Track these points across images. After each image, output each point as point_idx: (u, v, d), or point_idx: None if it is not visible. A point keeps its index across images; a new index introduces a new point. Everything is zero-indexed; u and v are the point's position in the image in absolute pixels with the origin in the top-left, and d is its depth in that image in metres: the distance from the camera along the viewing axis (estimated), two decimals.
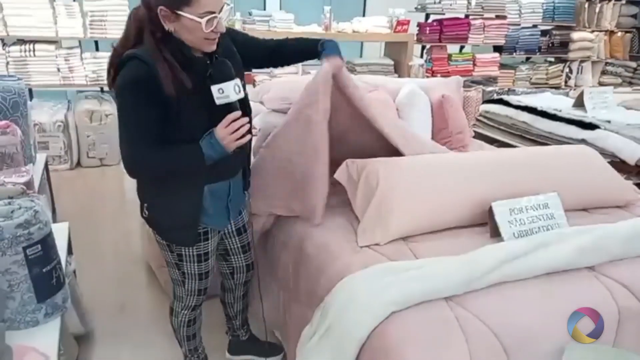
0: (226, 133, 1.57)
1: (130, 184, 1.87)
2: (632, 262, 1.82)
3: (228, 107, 1.59)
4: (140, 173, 1.66)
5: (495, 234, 2.00)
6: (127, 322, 2.66)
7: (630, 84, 6.27)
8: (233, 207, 1.88)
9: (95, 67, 5.22)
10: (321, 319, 1.65)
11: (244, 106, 1.64)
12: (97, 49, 5.35)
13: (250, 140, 1.77)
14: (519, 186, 2.12)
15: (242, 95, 1.62)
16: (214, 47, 1.59)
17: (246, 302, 2.23)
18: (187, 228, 1.74)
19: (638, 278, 1.73)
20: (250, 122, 1.68)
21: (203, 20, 1.48)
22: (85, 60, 5.23)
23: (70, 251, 2.37)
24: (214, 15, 1.50)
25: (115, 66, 1.56)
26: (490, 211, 1.98)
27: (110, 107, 5.15)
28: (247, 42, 1.86)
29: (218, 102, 1.58)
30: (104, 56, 5.17)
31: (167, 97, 1.52)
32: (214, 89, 1.57)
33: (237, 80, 1.60)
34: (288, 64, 2.05)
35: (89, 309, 2.60)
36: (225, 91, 1.57)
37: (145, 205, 1.76)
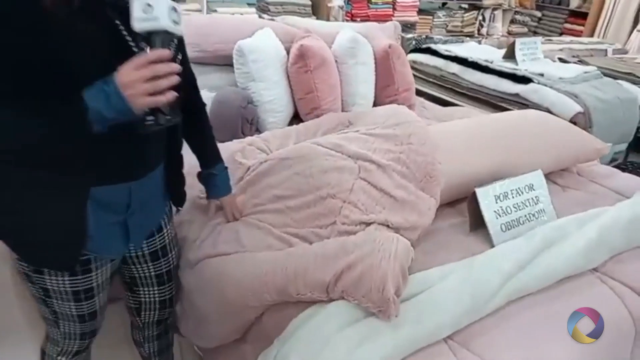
0: (135, 78, 0.86)
1: None
2: (636, 258, 1.49)
3: (150, 41, 0.88)
4: None
5: (476, 226, 1.57)
6: None
7: (535, 33, 6.19)
8: (137, 227, 1.17)
9: None
10: None
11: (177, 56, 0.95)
12: None
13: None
14: (490, 162, 1.70)
15: (179, 30, 0.91)
16: None
17: (165, 343, 1.56)
18: (57, 248, 1.06)
19: None
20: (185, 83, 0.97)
21: None
22: None
23: None
24: None
25: None
26: (471, 200, 1.54)
27: None
28: None
29: (138, 26, 0.86)
30: None
31: (31, 19, 0.84)
32: (137, 2, 0.86)
33: (178, 4, 0.92)
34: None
35: None
36: (156, 9, 0.86)
37: None
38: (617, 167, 2.88)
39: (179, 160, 1.27)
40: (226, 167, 1.40)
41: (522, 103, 3.19)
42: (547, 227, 1.47)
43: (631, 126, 3.30)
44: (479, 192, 1.51)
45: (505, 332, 1.17)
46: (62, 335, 1.27)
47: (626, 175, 2.11)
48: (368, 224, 1.37)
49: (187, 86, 1.16)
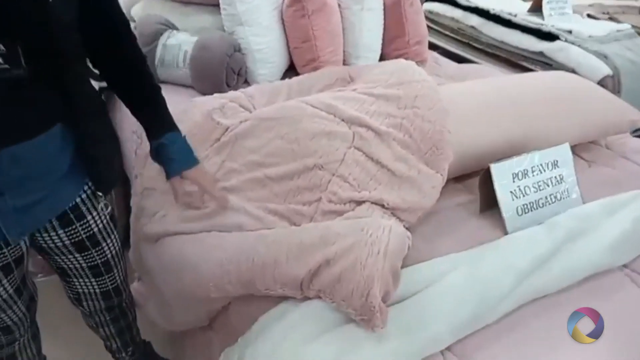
0: None
1: None
2: None
3: None
4: None
5: (487, 207, 1.34)
6: None
7: None
8: (13, 212, 0.88)
9: None
10: None
11: None
12: None
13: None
14: (508, 132, 1.44)
15: None
16: None
17: (125, 322, 1.35)
18: None
19: None
20: None
21: None
22: None
23: None
24: None
25: None
26: (484, 177, 1.30)
27: None
28: None
29: None
30: None
31: None
32: None
33: None
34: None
35: None
36: None
37: None
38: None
39: (97, 127, 0.97)
40: (183, 136, 1.09)
41: (546, 63, 2.88)
42: (571, 216, 1.23)
43: None
44: (494, 168, 1.27)
45: (515, 344, 0.96)
46: None
47: None
48: (359, 203, 1.14)
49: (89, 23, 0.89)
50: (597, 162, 1.68)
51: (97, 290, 1.18)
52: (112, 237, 1.14)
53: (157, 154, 1.08)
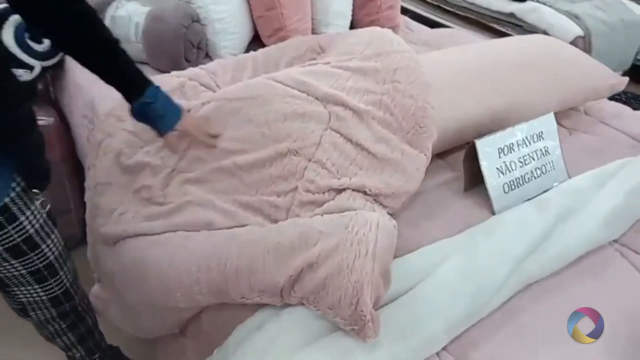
0: None
1: None
2: None
3: None
4: None
5: (471, 184, 1.27)
6: None
7: None
8: None
9: None
10: None
11: None
12: None
13: None
14: (491, 103, 1.36)
15: None
16: None
17: (85, 328, 1.21)
18: None
19: None
20: None
21: None
22: None
23: None
24: None
25: None
26: (468, 154, 1.22)
27: None
28: None
29: None
30: None
31: None
32: None
33: None
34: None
35: None
36: None
37: None
38: (611, 98, 2.59)
39: (19, 117, 0.86)
40: (158, 87, 1.00)
41: (517, 24, 2.82)
42: (560, 192, 1.16)
43: (631, 53, 2.98)
44: (480, 144, 1.18)
45: (512, 336, 0.90)
46: None
47: (637, 114, 1.81)
48: (339, 191, 1.04)
49: None
50: (577, 130, 1.62)
51: (45, 298, 1.05)
52: (53, 236, 1.00)
53: (142, 114, 1.00)
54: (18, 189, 0.89)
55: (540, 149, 1.30)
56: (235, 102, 1.17)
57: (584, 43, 2.74)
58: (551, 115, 1.34)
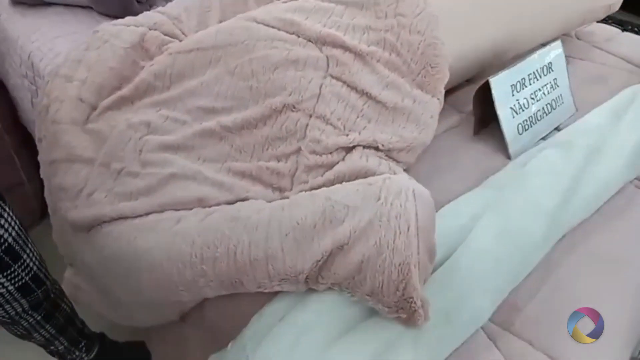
0: None
1: None
2: None
3: None
4: None
5: (481, 126, 1.15)
6: None
7: None
8: None
9: None
10: None
11: None
12: None
13: None
14: (494, 33, 1.22)
15: None
16: None
17: (63, 317, 1.06)
18: None
19: None
20: None
21: None
22: None
23: None
24: None
25: None
26: (479, 94, 1.09)
27: None
28: None
29: None
30: None
31: None
32: None
33: None
34: None
35: None
36: None
37: None
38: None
39: None
40: None
41: None
42: (581, 131, 1.06)
43: None
44: (494, 82, 1.05)
45: (553, 293, 0.83)
46: None
47: (626, 36, 1.72)
48: (349, 149, 0.90)
49: None
50: (574, 57, 1.52)
51: (11, 288, 0.88)
52: (5, 215, 0.82)
53: None
54: None
55: (550, 82, 1.19)
56: (211, 51, 0.97)
57: None
58: (558, 44, 1.22)
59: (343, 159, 0.89)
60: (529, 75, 1.14)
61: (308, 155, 0.88)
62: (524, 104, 1.12)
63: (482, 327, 0.77)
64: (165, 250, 0.77)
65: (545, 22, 1.34)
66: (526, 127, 1.12)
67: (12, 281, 0.88)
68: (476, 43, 1.18)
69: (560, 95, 1.22)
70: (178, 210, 0.84)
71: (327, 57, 0.94)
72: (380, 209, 0.71)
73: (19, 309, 0.94)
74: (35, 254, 0.91)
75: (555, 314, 0.80)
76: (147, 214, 0.84)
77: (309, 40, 0.96)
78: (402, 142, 0.93)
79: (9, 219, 0.84)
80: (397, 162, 0.94)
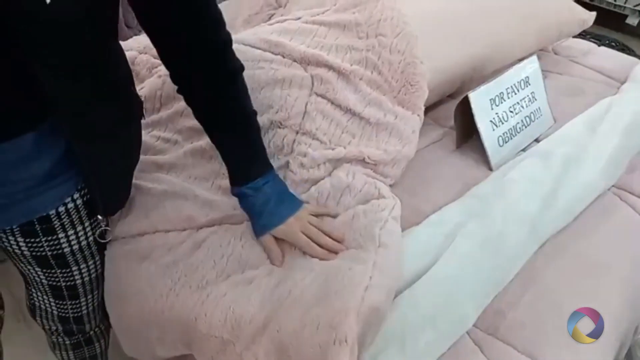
0: None
1: None
2: None
3: None
4: None
5: (463, 140, 1.20)
6: None
7: None
8: None
9: None
10: None
11: None
12: None
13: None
14: (472, 50, 1.27)
15: None
16: None
17: (90, 354, 1.08)
18: None
19: None
20: None
21: None
22: None
23: None
24: None
25: None
26: (460, 108, 1.13)
27: None
28: None
29: None
30: None
31: None
32: None
33: None
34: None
35: None
36: None
37: None
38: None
39: (106, 148, 0.74)
40: (272, 177, 0.83)
41: None
42: (558, 141, 1.12)
43: None
44: (473, 97, 1.10)
45: (538, 297, 0.86)
46: None
47: (603, 50, 1.80)
48: (336, 164, 0.94)
49: None
50: (552, 71, 1.58)
51: (55, 312, 0.91)
52: (90, 262, 0.85)
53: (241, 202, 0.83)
54: (71, 205, 0.75)
55: (528, 96, 1.24)
56: None
57: None
58: (534, 59, 1.28)
59: (329, 174, 0.92)
60: (507, 89, 1.19)
61: (295, 169, 0.92)
62: (503, 117, 1.17)
63: (467, 333, 0.79)
64: (147, 279, 0.80)
65: (521, 37, 1.40)
66: (506, 139, 1.17)
67: (59, 309, 0.92)
68: (455, 59, 1.24)
69: (539, 108, 1.27)
70: (168, 231, 0.87)
71: (311, 76, 0.99)
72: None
73: (54, 328, 0.98)
74: (95, 299, 0.93)
75: (539, 318, 0.83)
76: (141, 234, 0.87)
77: (294, 60, 1.00)
78: (386, 155, 0.97)
79: (92, 269, 0.87)
80: (385, 177, 0.98)
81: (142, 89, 1.05)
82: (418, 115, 1.04)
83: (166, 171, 0.96)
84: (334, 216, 0.87)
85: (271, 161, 0.90)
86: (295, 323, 0.72)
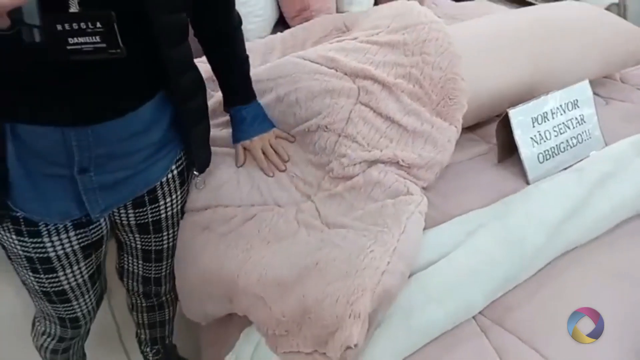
0: None
1: None
2: None
3: None
4: None
5: (505, 155, 1.26)
6: None
7: None
8: (96, 189, 0.83)
9: None
10: None
11: None
12: None
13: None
14: (522, 72, 1.34)
15: None
16: None
17: (160, 317, 1.29)
18: None
19: None
20: None
21: None
22: None
23: None
24: None
25: None
26: (501, 124, 1.21)
27: None
28: None
29: None
30: None
31: None
32: None
33: None
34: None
35: None
36: None
37: None
38: None
39: (196, 107, 0.91)
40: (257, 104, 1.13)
41: None
42: (599, 158, 1.15)
43: None
44: (513, 114, 1.18)
45: (548, 299, 0.91)
46: (40, 312, 1.05)
47: None
48: (370, 164, 1.06)
49: None
50: (614, 98, 1.58)
51: (140, 273, 1.12)
52: (176, 228, 1.05)
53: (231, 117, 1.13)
54: (169, 175, 0.94)
55: (576, 118, 1.28)
56: (266, 82, 1.19)
57: (618, 10, 2.65)
58: (586, 83, 1.31)
59: (364, 171, 1.05)
60: (551, 109, 1.24)
61: (335, 168, 1.05)
62: (545, 135, 1.22)
63: (474, 319, 0.87)
64: (206, 251, 0.98)
65: (580, 63, 1.44)
66: (547, 156, 1.22)
67: (144, 271, 1.11)
68: (506, 80, 1.31)
69: (587, 130, 1.29)
70: (227, 206, 1.04)
71: (358, 87, 1.13)
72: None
73: (136, 289, 1.17)
74: (167, 263, 1.12)
75: (549, 316, 0.88)
76: (204, 208, 1.05)
77: (345, 73, 1.15)
78: (420, 160, 1.07)
79: (175, 232, 1.06)
80: (417, 179, 1.08)
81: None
82: (455, 126, 1.14)
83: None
84: (292, 141, 1.13)
85: (316, 159, 1.05)
86: (318, 292, 0.84)
